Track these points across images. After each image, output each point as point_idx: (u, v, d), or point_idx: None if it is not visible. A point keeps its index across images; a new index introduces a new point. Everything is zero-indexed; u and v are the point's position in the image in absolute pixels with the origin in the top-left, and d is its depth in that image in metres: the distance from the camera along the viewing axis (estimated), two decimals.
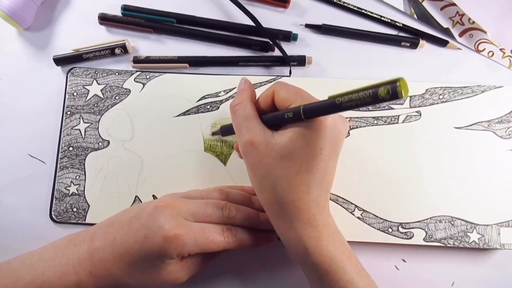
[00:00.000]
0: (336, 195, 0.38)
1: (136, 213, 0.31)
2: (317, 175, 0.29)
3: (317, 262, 0.29)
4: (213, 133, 0.39)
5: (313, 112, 0.27)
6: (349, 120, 0.39)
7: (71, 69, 0.40)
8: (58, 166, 0.39)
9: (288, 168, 0.28)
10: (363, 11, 0.42)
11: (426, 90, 0.39)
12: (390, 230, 0.37)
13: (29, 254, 0.32)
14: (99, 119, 0.40)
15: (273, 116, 0.30)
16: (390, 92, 0.21)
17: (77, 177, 0.39)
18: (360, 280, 0.29)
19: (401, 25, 0.42)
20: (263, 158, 0.29)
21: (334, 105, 0.24)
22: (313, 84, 0.40)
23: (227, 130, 0.37)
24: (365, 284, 0.29)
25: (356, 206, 0.38)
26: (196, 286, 0.37)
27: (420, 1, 0.42)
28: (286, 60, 0.40)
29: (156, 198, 0.38)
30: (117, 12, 0.42)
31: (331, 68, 0.41)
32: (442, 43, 0.42)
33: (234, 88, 0.40)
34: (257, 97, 0.32)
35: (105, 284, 0.30)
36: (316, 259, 0.29)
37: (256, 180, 0.30)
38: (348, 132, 0.39)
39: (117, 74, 0.40)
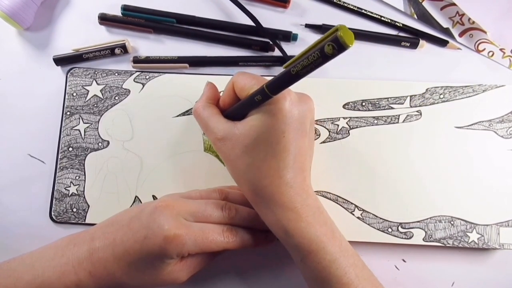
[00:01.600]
0: (336, 195, 0.38)
1: (136, 213, 0.31)
2: (285, 158, 0.29)
3: (298, 243, 0.29)
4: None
5: (276, 86, 0.26)
6: (349, 120, 0.39)
7: (71, 69, 0.40)
8: (58, 167, 0.39)
9: (254, 156, 0.29)
10: (363, 11, 0.42)
11: (427, 89, 0.39)
12: (389, 230, 0.37)
13: (29, 254, 0.32)
14: (99, 119, 0.40)
15: (234, 108, 0.31)
16: (336, 46, 0.20)
17: (77, 177, 0.39)
18: (344, 259, 0.29)
19: (401, 25, 0.42)
20: (231, 150, 0.30)
21: (291, 76, 0.24)
22: (313, 84, 0.40)
23: (231, 114, 0.33)
24: (350, 263, 0.29)
25: (356, 206, 0.38)
26: (196, 286, 0.37)
27: (420, 1, 0.42)
28: (286, 60, 0.40)
29: (156, 198, 0.38)
30: (117, 12, 0.42)
31: (331, 68, 0.41)
32: (442, 43, 0.42)
33: None
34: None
35: (105, 284, 0.30)
36: (297, 241, 0.29)
37: (232, 173, 0.32)
38: (348, 132, 0.39)
39: (116, 74, 0.40)
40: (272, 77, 0.26)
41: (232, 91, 0.31)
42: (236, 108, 0.31)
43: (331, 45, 0.20)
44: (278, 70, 0.41)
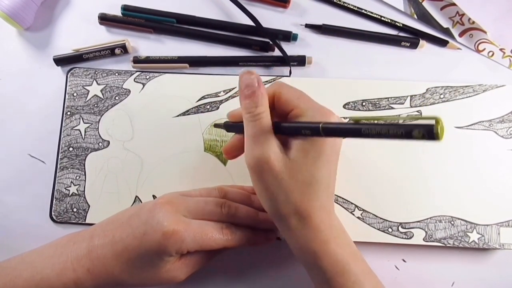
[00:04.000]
0: (336, 195, 0.38)
1: (136, 211, 0.31)
2: (323, 183, 0.29)
3: (325, 265, 0.29)
4: (216, 125, 0.38)
5: (334, 132, 0.26)
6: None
7: (71, 69, 0.40)
8: (58, 167, 0.39)
9: (301, 181, 0.28)
10: (363, 11, 0.42)
11: (427, 89, 0.39)
12: (390, 230, 0.37)
13: (28, 252, 0.32)
14: (99, 120, 0.40)
15: (288, 128, 0.29)
16: (426, 135, 0.19)
17: (77, 177, 0.39)
18: (367, 281, 0.29)
19: (401, 25, 0.42)
20: (277, 174, 0.28)
21: (358, 133, 0.23)
22: (313, 84, 0.40)
23: (234, 127, 0.33)
24: (372, 285, 0.29)
25: (356, 206, 0.38)
26: (195, 285, 0.37)
27: (420, 1, 0.42)
28: (286, 60, 0.40)
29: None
30: (117, 12, 0.42)
31: (331, 68, 0.41)
32: (442, 43, 0.42)
33: (234, 88, 0.40)
34: None
35: (103, 282, 0.30)
36: (325, 263, 0.29)
37: (267, 195, 0.29)
38: None
39: (117, 74, 0.40)
40: (332, 122, 0.26)
41: (271, 100, 0.30)
42: (288, 129, 0.29)
43: (421, 133, 0.19)
44: (278, 70, 0.41)
